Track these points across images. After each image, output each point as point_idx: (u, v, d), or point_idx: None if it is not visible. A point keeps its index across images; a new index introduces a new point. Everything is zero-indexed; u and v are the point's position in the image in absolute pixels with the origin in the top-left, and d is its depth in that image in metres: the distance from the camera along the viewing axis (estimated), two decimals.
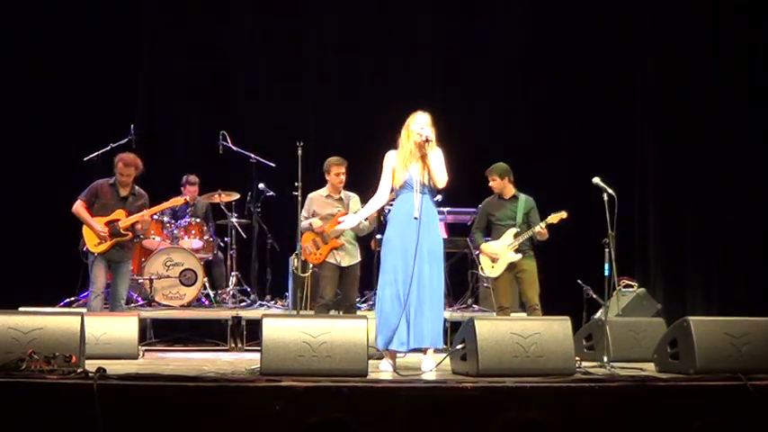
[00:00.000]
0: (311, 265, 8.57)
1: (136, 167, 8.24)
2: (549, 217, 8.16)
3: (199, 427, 5.29)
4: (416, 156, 6.65)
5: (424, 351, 6.61)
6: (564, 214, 8.14)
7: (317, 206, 8.42)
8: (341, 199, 8.42)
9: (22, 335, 5.60)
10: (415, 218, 6.51)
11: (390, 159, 6.74)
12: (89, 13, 11.18)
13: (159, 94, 11.59)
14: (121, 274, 8.29)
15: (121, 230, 8.18)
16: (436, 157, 6.65)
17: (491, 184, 8.35)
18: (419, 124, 6.67)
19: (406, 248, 6.52)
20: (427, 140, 6.58)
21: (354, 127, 11.47)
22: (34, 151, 10.89)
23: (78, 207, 8.22)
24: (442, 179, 6.66)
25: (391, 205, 7.11)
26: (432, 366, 6.47)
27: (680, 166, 10.66)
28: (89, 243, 8.18)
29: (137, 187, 8.37)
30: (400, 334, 6.48)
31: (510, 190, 8.35)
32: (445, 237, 10.14)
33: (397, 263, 6.55)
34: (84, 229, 8.21)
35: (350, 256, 8.29)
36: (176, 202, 8.98)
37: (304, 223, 8.38)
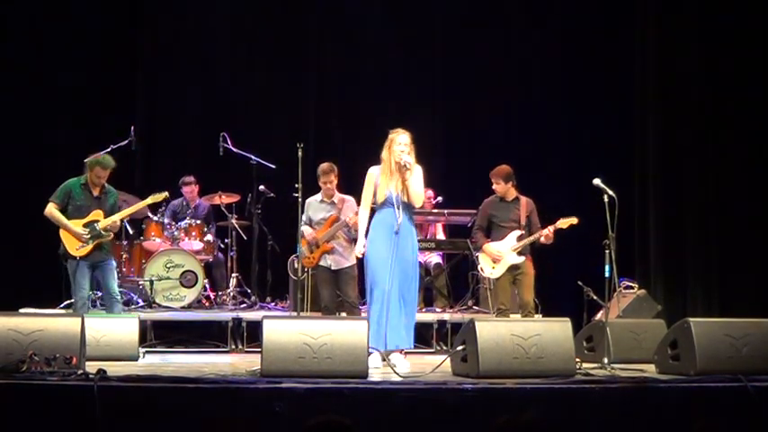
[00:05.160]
0: (307, 269, 8.66)
1: (113, 169, 8.06)
2: (559, 222, 8.13)
3: (199, 428, 5.29)
4: (397, 175, 7.18)
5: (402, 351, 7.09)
6: (574, 220, 8.11)
7: (312, 211, 8.57)
8: (333, 203, 8.52)
9: (22, 336, 5.60)
10: (396, 232, 7.05)
11: (373, 176, 7.31)
12: (89, 14, 11.18)
13: (159, 95, 11.59)
14: (109, 271, 8.06)
15: (102, 231, 7.98)
16: (415, 177, 7.21)
17: (495, 187, 8.33)
18: (400, 146, 7.19)
19: (384, 259, 7.05)
20: (406, 167, 7.11)
21: (354, 128, 11.47)
22: (34, 152, 10.88)
23: (52, 210, 7.95)
24: (418, 200, 7.29)
25: None
26: (407, 366, 6.82)
27: (680, 165, 10.66)
28: (69, 247, 7.92)
29: (106, 185, 8.13)
30: (380, 334, 6.93)
31: (512, 193, 8.35)
32: (444, 238, 10.18)
33: (379, 271, 7.06)
34: (62, 232, 7.95)
35: (342, 259, 8.34)
36: (156, 198, 8.73)
37: (301, 229, 8.49)
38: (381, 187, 7.21)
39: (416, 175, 7.21)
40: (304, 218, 8.52)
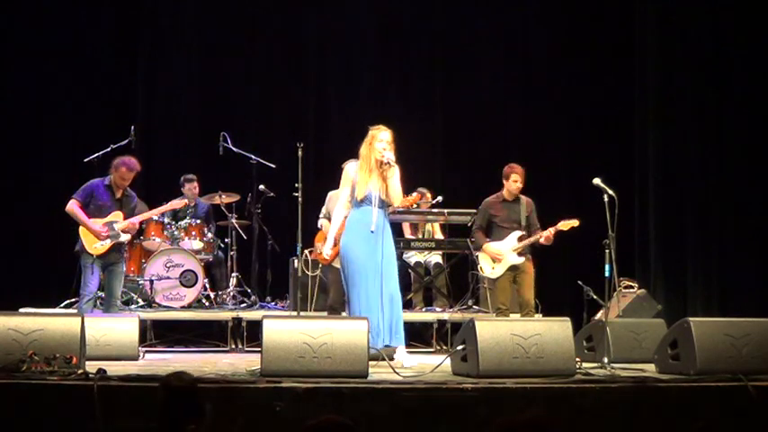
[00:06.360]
0: (320, 265, 8.66)
1: (137, 172, 8.22)
2: (560, 224, 8.11)
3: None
4: (377, 173, 6.98)
5: (394, 349, 6.95)
6: (575, 222, 8.08)
7: (333, 204, 8.48)
8: None
9: (22, 336, 5.60)
10: (372, 231, 6.88)
11: (351, 171, 7.12)
12: (90, 14, 11.20)
13: (159, 95, 11.60)
14: (117, 275, 8.20)
15: (120, 232, 8.10)
16: (394, 176, 7.01)
17: (512, 183, 8.21)
18: (382, 143, 6.99)
19: (365, 258, 6.93)
20: (388, 164, 6.93)
21: (354, 127, 11.43)
22: (34, 152, 10.89)
23: (74, 207, 8.06)
24: (397, 199, 7.11)
25: None
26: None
27: (680, 165, 10.66)
28: (87, 245, 8.03)
29: (128, 188, 8.28)
30: (376, 334, 6.79)
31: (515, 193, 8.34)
32: (442, 238, 10.17)
33: (359, 271, 6.95)
34: (82, 230, 8.06)
35: None
36: (177, 205, 8.95)
37: (320, 222, 8.55)
38: (360, 185, 7.01)
39: (394, 172, 7.03)
40: (324, 210, 8.55)
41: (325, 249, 7.34)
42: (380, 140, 7.00)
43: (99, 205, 8.13)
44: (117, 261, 8.21)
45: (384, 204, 7.04)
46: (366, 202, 7.01)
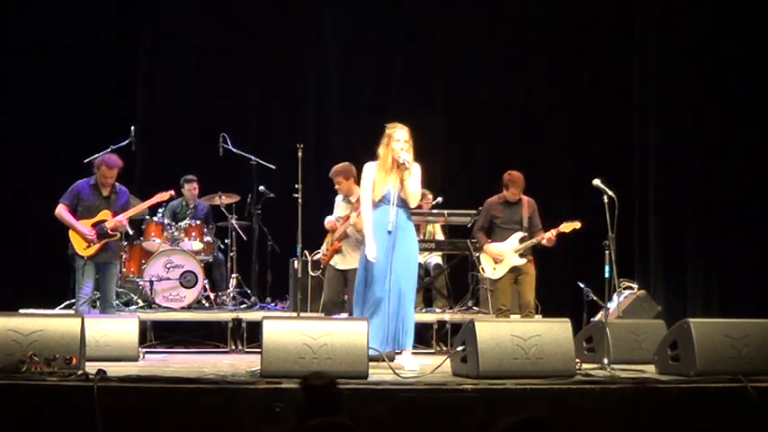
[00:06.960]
0: (322, 265, 8.71)
1: (119, 168, 8.19)
2: (562, 226, 8.12)
3: (199, 428, 5.29)
4: (395, 173, 6.92)
5: (400, 352, 6.91)
6: (578, 224, 8.09)
7: (337, 207, 8.67)
8: (350, 202, 8.52)
9: (22, 337, 5.61)
10: (389, 231, 6.82)
11: (370, 172, 7.03)
12: (90, 14, 11.20)
13: (159, 96, 11.59)
14: (111, 276, 8.22)
15: (109, 231, 8.08)
16: (414, 176, 6.94)
17: (510, 193, 8.25)
18: (399, 142, 6.91)
19: (382, 259, 6.85)
20: (406, 167, 6.85)
21: (354, 128, 11.48)
22: (34, 152, 10.88)
23: (61, 211, 8.10)
24: (414, 200, 7.03)
25: None
26: (417, 364, 6.71)
27: (680, 166, 10.66)
28: (77, 247, 8.06)
29: (117, 184, 8.26)
30: (385, 335, 6.77)
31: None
32: (443, 238, 10.17)
33: (374, 272, 6.88)
34: (71, 233, 8.09)
35: (350, 260, 8.31)
36: (162, 197, 8.85)
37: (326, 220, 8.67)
38: (379, 185, 6.96)
39: (415, 173, 6.94)
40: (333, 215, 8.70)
41: (368, 253, 6.97)
42: (397, 140, 6.93)
43: (86, 206, 8.14)
44: (109, 261, 8.21)
45: (404, 203, 6.97)
46: (384, 202, 6.95)
